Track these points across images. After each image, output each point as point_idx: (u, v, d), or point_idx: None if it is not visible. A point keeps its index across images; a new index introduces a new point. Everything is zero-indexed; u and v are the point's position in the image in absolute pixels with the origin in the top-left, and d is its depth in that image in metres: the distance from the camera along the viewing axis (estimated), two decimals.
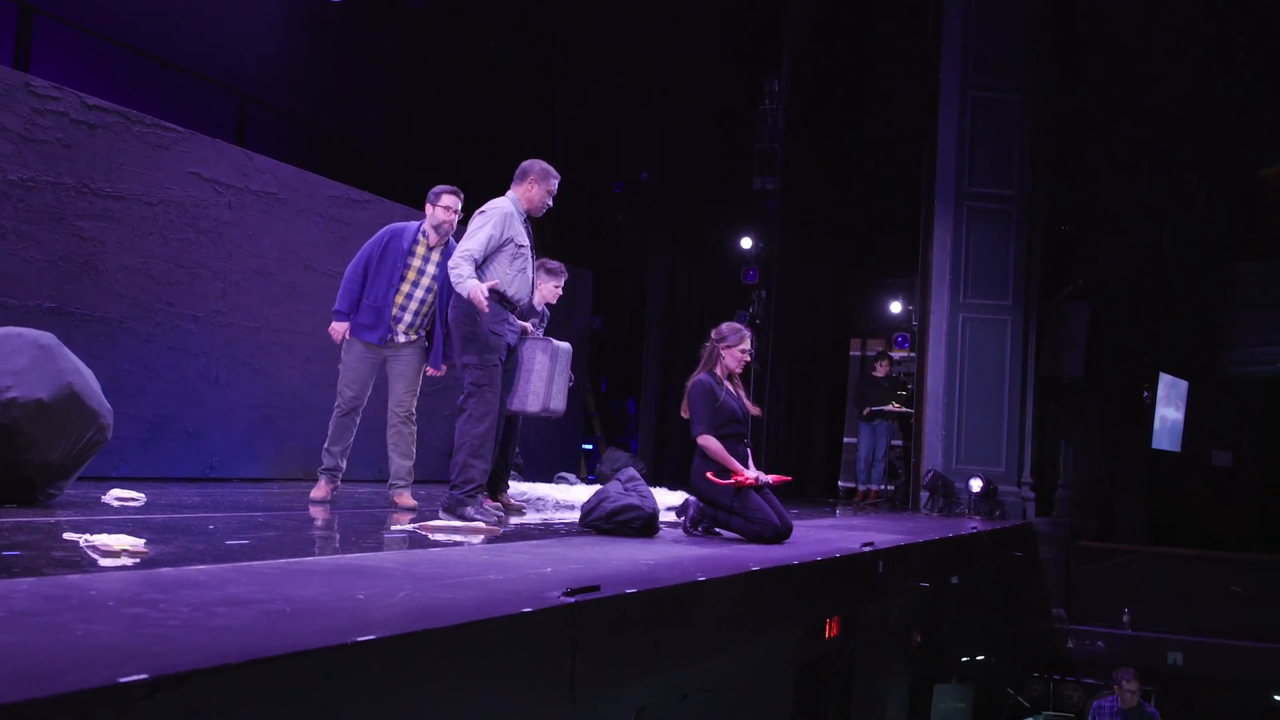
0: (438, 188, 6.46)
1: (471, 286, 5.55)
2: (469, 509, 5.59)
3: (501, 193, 6.02)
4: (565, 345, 6.50)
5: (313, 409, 9.00)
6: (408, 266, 6.38)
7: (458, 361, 5.80)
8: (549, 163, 6.07)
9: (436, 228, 6.41)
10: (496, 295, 5.73)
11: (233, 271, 8.31)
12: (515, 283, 5.89)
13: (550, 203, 6.04)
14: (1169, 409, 12.42)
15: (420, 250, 6.42)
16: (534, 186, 5.93)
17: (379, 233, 6.54)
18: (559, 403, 6.39)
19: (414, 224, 6.50)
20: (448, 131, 13.46)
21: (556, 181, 6.03)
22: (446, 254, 6.37)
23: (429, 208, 6.43)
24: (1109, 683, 9.54)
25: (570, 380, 6.57)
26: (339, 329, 6.43)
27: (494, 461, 6.22)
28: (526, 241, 5.95)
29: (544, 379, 6.29)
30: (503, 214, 5.82)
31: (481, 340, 5.69)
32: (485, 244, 5.73)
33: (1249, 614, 10.34)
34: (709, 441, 5.88)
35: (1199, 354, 12.64)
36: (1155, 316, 12.36)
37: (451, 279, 5.70)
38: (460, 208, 6.46)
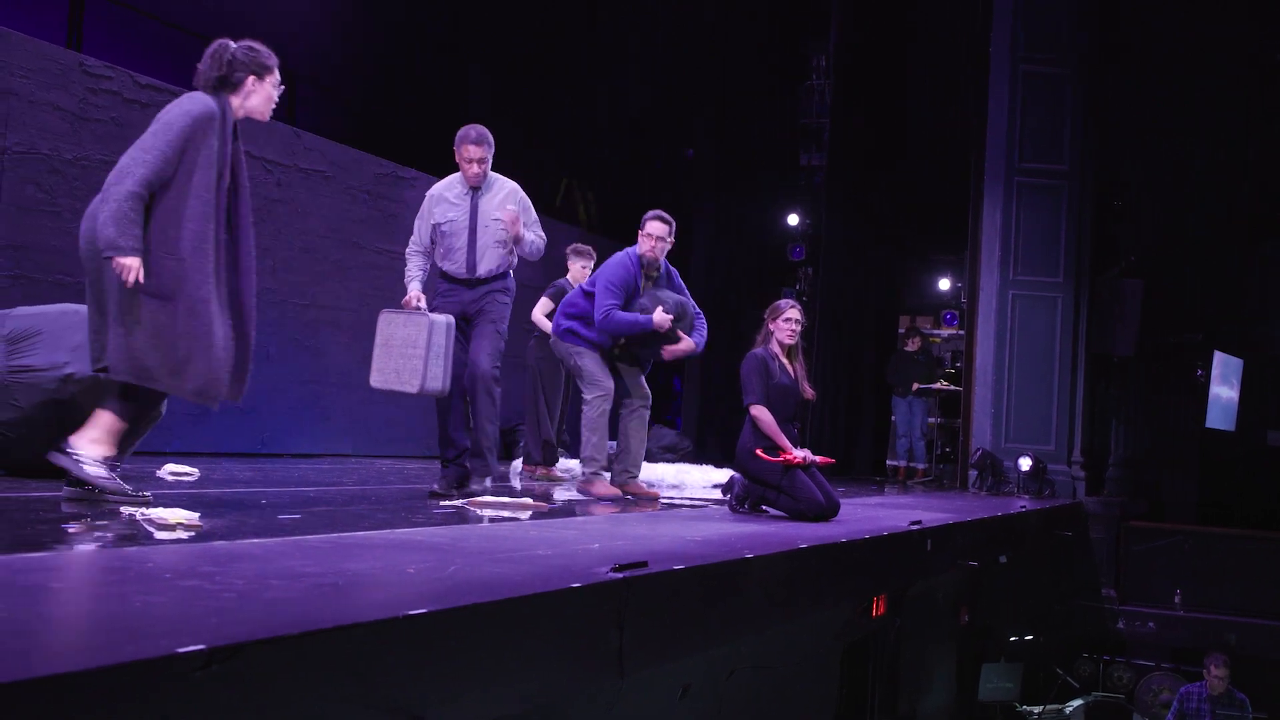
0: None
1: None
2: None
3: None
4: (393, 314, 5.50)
5: (357, 385, 9.05)
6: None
7: None
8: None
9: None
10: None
11: (281, 249, 8.38)
12: (444, 263, 5.78)
13: (475, 168, 5.70)
14: (1223, 387, 12.20)
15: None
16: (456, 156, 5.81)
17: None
18: (427, 381, 5.35)
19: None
20: (493, 108, 13.43)
21: (462, 142, 5.67)
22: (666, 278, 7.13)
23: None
24: (1198, 668, 9.34)
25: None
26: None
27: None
28: (451, 216, 5.72)
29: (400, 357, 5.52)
30: (425, 204, 5.84)
31: None
32: (419, 235, 5.80)
33: None
34: (761, 412, 5.83)
35: (1255, 331, 12.39)
36: (1210, 293, 12.13)
37: None
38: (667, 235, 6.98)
